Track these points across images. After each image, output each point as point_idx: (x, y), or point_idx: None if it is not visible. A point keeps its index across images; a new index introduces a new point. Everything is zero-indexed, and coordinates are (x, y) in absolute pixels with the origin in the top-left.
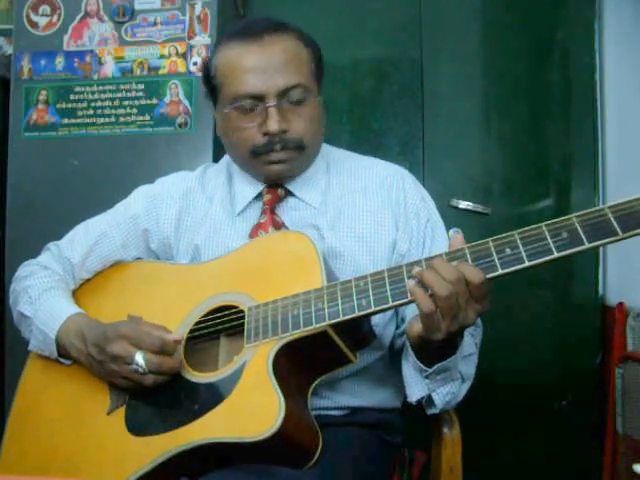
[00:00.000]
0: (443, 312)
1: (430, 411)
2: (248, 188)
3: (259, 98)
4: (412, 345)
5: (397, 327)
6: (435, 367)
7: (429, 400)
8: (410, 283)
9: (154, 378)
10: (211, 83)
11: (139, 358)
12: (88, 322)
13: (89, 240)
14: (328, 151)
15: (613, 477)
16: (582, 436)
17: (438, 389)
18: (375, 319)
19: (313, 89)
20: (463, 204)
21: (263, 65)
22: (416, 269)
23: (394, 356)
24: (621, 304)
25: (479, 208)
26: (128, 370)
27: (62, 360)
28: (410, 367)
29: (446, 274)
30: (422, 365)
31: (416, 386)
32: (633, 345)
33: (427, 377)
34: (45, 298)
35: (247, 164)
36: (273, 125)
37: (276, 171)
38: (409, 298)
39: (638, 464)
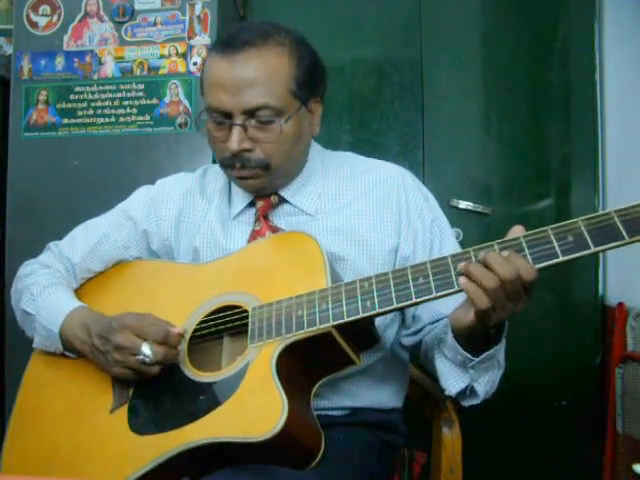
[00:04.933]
0: (496, 305)
1: (470, 402)
2: (243, 193)
3: (227, 115)
4: (457, 336)
5: (405, 326)
6: (483, 355)
7: (471, 391)
8: (462, 281)
9: (160, 369)
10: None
11: (146, 348)
12: (92, 315)
13: (90, 241)
14: (325, 155)
15: (613, 477)
16: (582, 436)
17: (479, 378)
18: (377, 320)
19: (287, 109)
20: (463, 204)
21: (230, 83)
22: (461, 264)
23: (397, 356)
24: (621, 304)
25: (479, 208)
26: (134, 360)
27: (68, 354)
28: (448, 360)
29: (501, 270)
30: (469, 355)
31: (455, 378)
32: (633, 345)
33: (472, 367)
34: (47, 294)
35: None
36: (232, 145)
37: (246, 186)
38: (414, 300)
39: (638, 464)
